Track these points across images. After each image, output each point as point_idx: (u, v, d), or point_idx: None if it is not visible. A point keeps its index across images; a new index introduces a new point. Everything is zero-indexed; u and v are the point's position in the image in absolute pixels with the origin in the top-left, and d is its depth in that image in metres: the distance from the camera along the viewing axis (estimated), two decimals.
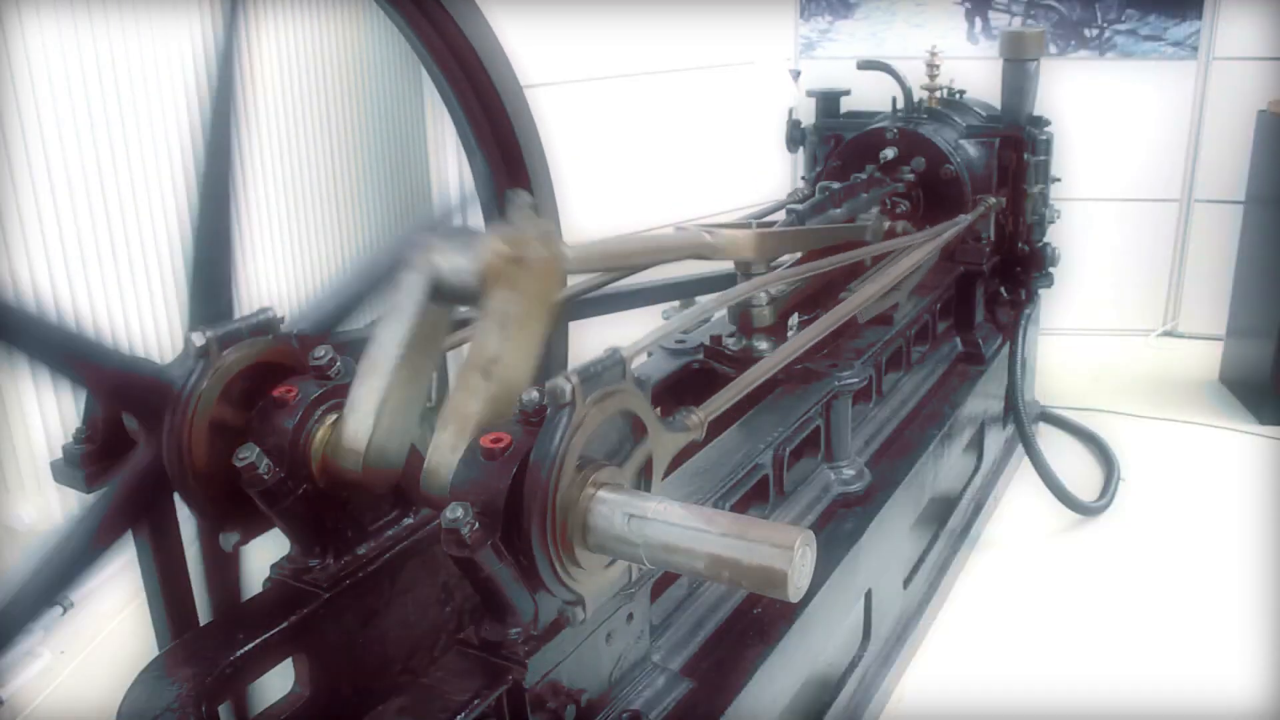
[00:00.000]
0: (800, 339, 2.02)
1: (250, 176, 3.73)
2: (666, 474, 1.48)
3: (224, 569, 1.51)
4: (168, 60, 2.96)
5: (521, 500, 1.23)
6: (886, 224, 2.87)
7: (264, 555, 1.54)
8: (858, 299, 2.33)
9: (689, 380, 2.48)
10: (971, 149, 3.36)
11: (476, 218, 2.24)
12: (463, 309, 1.45)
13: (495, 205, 2.27)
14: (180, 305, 3.09)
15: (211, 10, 3.09)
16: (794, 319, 2.65)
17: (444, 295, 1.37)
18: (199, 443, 1.38)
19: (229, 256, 1.52)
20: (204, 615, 1.51)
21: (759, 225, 2.45)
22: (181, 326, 1.45)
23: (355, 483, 1.43)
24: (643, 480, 1.42)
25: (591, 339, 2.66)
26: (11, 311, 1.26)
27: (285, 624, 1.42)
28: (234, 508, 1.43)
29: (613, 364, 1.33)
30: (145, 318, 3.04)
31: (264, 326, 1.47)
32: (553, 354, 2.43)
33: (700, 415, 1.53)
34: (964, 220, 3.09)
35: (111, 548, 1.37)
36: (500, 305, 1.35)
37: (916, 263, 2.67)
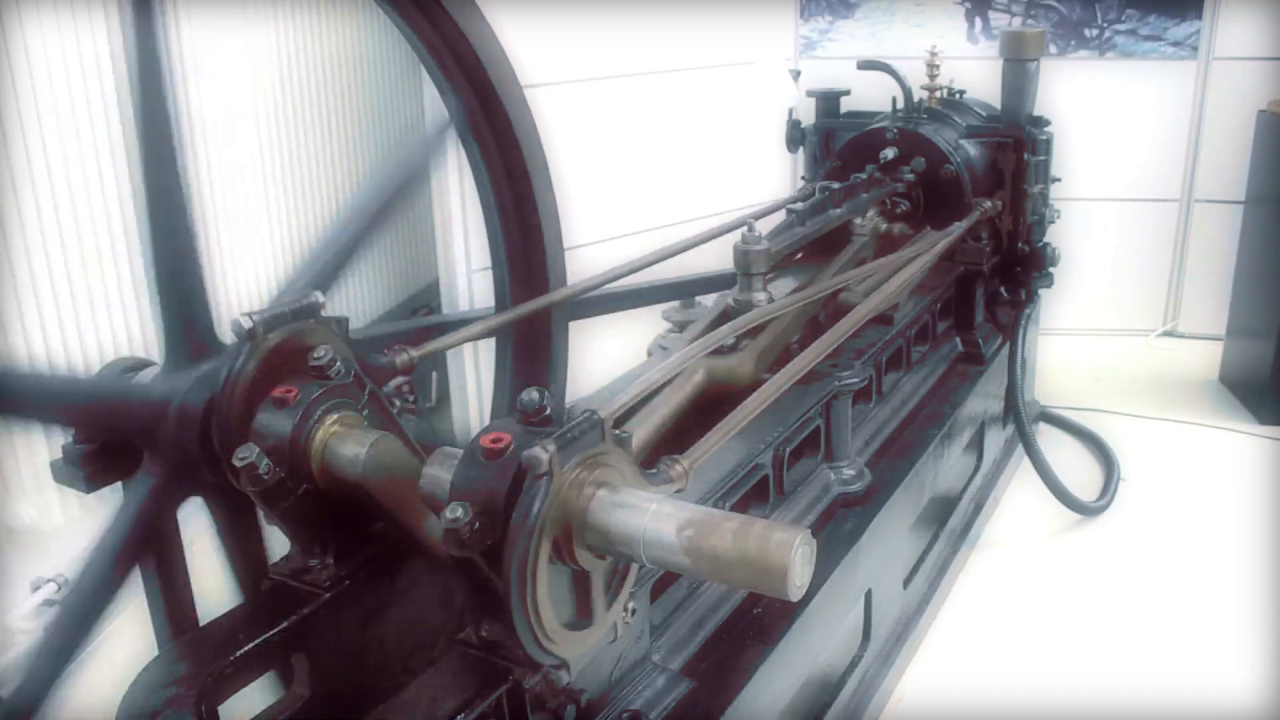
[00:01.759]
0: (797, 364, 1.99)
1: (250, 177, 3.73)
2: None
3: (249, 548, 1.52)
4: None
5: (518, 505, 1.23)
6: (884, 227, 2.85)
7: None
8: (860, 313, 2.29)
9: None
10: (971, 149, 3.36)
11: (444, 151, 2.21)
12: None
13: (493, 205, 2.27)
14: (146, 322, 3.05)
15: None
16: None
17: None
18: (245, 422, 1.41)
19: (192, 258, 1.50)
20: (206, 613, 1.51)
21: (758, 226, 2.44)
22: (152, 331, 1.44)
23: (355, 483, 1.43)
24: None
25: (591, 339, 2.66)
26: None
27: (285, 624, 1.42)
28: (295, 520, 1.45)
29: (590, 427, 1.30)
30: (127, 320, 3.01)
31: (307, 311, 1.50)
32: (554, 354, 2.43)
33: (684, 465, 1.51)
34: (958, 228, 3.08)
35: (124, 585, 1.38)
36: None
37: (909, 277, 2.64)
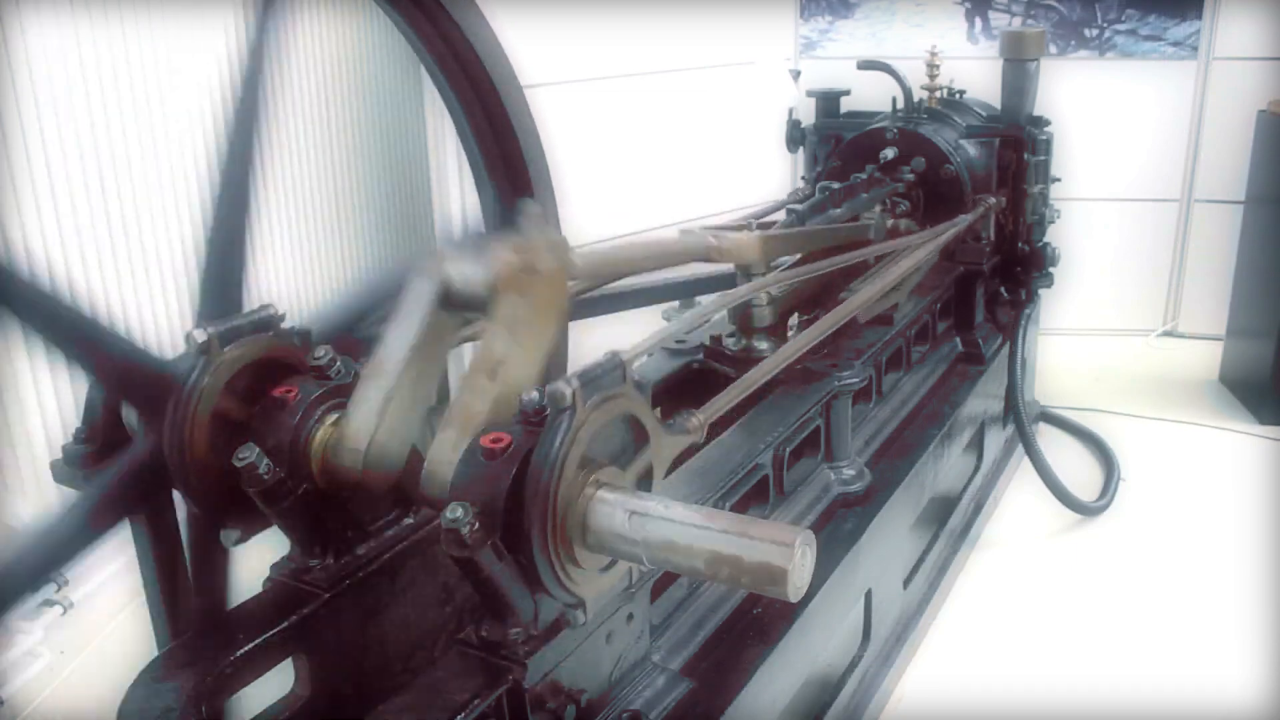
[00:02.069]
0: (800, 340, 2.02)
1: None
2: (666, 474, 1.48)
3: (212, 572, 1.50)
4: (191, 58, 2.97)
5: (522, 500, 1.23)
6: (890, 222, 2.86)
7: (264, 555, 1.54)
8: (857, 299, 2.33)
9: (689, 380, 2.48)
10: (971, 149, 3.36)
11: (479, 222, 2.25)
12: (471, 315, 1.45)
13: (495, 206, 2.27)
14: (188, 302, 3.10)
15: (239, 10, 3.10)
16: (794, 319, 2.65)
17: (452, 303, 1.40)
18: (200, 438, 1.38)
19: (241, 258, 1.52)
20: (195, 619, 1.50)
21: (759, 225, 2.45)
22: (187, 324, 1.44)
23: (355, 483, 1.43)
24: (644, 483, 1.42)
25: (591, 339, 2.66)
26: (24, 285, 1.26)
27: (285, 624, 1.42)
28: (234, 504, 1.43)
29: (613, 367, 1.33)
30: (156, 313, 3.05)
31: (265, 324, 1.47)
32: (553, 355, 2.43)
33: (700, 418, 1.54)
34: (964, 220, 3.09)
35: (105, 534, 1.36)
36: (508, 311, 1.37)
37: (916, 263, 2.67)
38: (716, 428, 1.81)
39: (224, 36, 3.22)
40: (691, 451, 1.79)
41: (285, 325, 1.51)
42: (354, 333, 1.62)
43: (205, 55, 3.15)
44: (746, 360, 2.34)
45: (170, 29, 3.05)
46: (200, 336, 1.39)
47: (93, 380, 1.44)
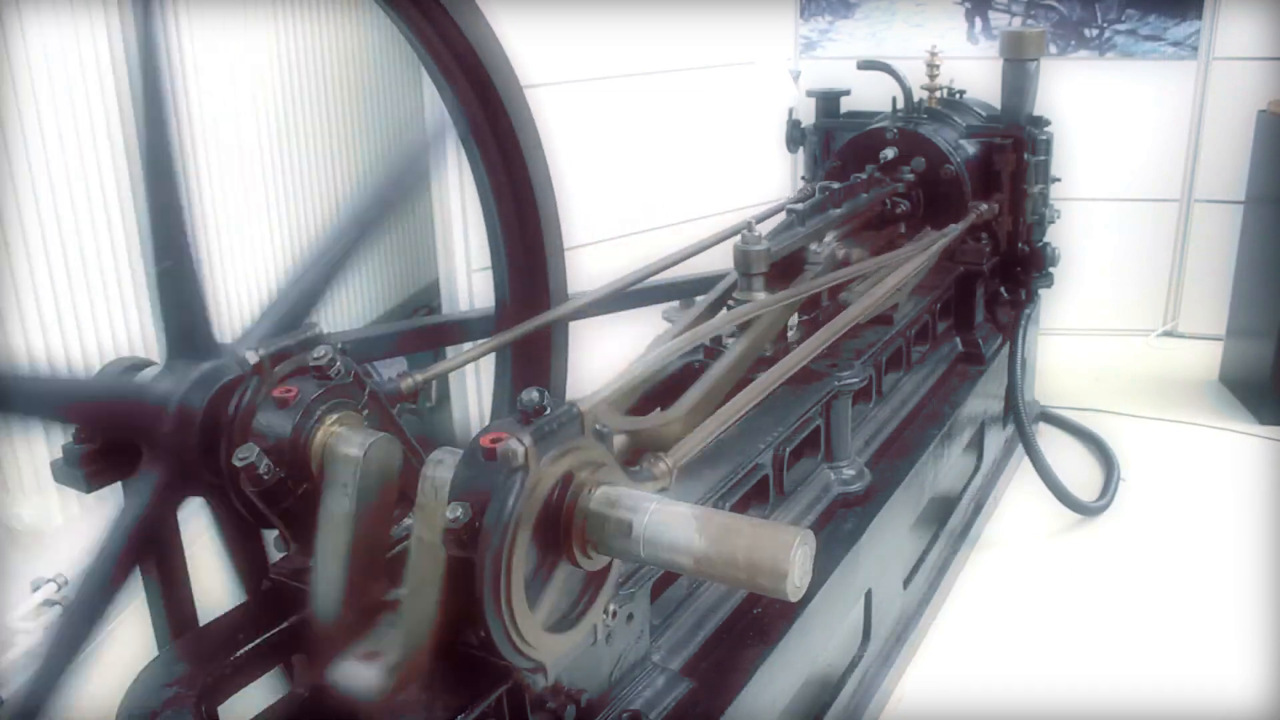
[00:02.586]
0: (797, 355, 2.00)
1: (249, 177, 3.73)
2: None
3: (250, 549, 1.52)
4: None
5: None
6: (842, 254, 2.78)
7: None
8: (854, 311, 2.31)
9: (688, 380, 2.48)
10: (971, 149, 3.36)
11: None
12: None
13: (493, 204, 2.27)
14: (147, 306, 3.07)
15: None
16: (794, 319, 2.65)
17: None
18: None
19: (190, 259, 1.50)
20: (206, 613, 1.51)
21: (759, 225, 2.45)
22: (152, 331, 1.44)
23: None
24: None
25: (591, 339, 2.66)
26: None
27: (285, 624, 1.42)
28: (295, 520, 1.44)
29: (570, 419, 1.27)
30: (127, 320, 3.02)
31: (312, 341, 1.48)
32: (554, 354, 2.43)
33: (668, 463, 1.49)
34: (953, 230, 3.08)
35: (123, 587, 1.38)
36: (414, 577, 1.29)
37: (908, 275, 2.64)
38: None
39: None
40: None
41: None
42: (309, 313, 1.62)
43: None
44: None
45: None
46: (253, 358, 1.41)
47: (72, 429, 1.44)
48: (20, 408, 1.33)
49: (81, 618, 1.33)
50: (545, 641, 1.28)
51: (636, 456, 1.53)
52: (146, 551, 1.43)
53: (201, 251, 1.52)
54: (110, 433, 1.43)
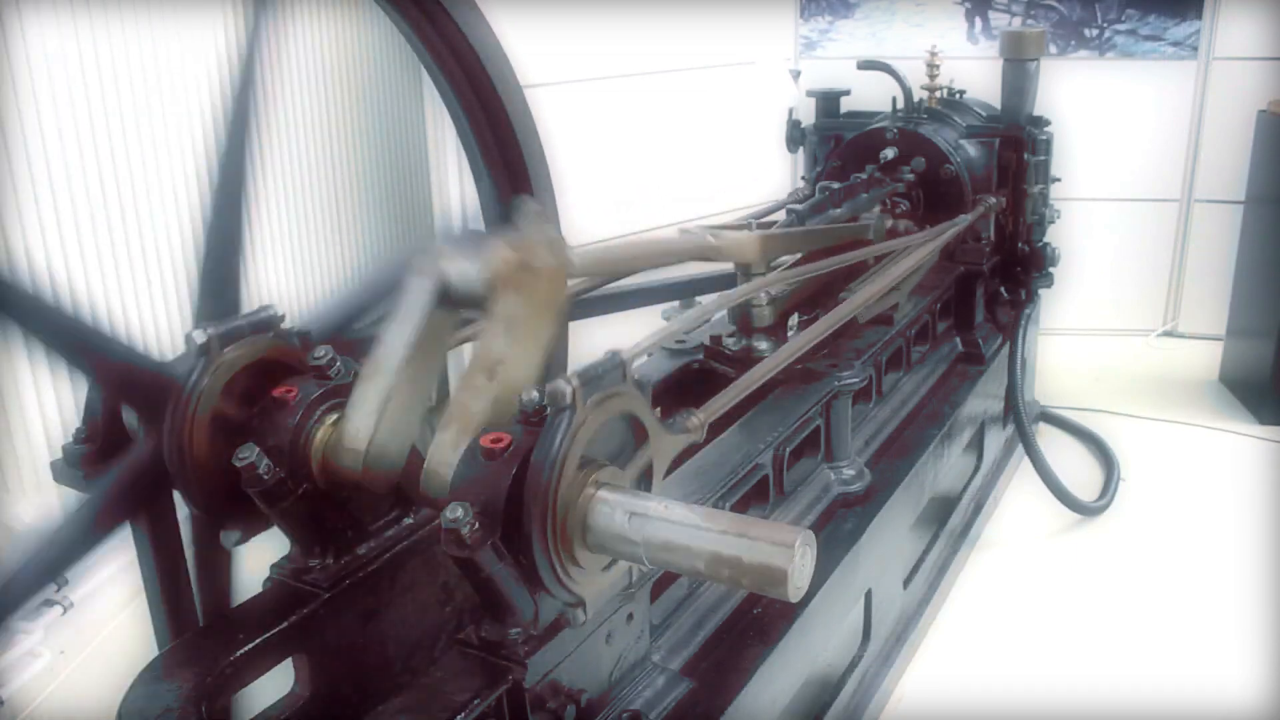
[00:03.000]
0: (800, 340, 2.02)
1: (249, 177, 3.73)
2: (666, 474, 1.48)
3: (215, 572, 1.50)
4: (188, 59, 2.98)
5: (522, 500, 1.23)
6: (889, 222, 2.86)
7: (264, 555, 1.54)
8: (858, 299, 2.34)
9: (688, 380, 2.48)
10: (971, 149, 3.36)
11: (478, 222, 2.25)
12: (469, 314, 1.45)
13: (495, 205, 2.27)
14: (186, 303, 3.11)
15: (233, 9, 3.10)
16: (794, 319, 2.65)
17: (451, 300, 1.39)
18: (200, 440, 1.38)
19: (238, 257, 1.52)
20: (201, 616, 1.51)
21: (759, 226, 2.45)
22: (185, 324, 1.44)
23: (355, 483, 1.43)
24: (644, 482, 1.42)
25: (591, 339, 2.66)
26: (24, 295, 1.26)
27: (285, 624, 1.42)
28: (234, 505, 1.43)
29: (613, 366, 1.33)
30: (155, 314, 3.05)
31: (265, 324, 1.47)
32: (552, 354, 2.43)
33: (701, 417, 1.54)
34: (964, 220, 3.09)
35: (108, 536, 1.36)
36: (507, 309, 1.36)
37: (917, 263, 2.67)
38: (716, 428, 1.80)
39: (221, 35, 3.23)
40: (691, 451, 1.79)
41: (285, 325, 1.51)
42: (350, 331, 1.61)
43: (202, 55, 3.15)
44: (746, 360, 2.34)
45: (168, 29, 3.05)
46: (200, 338, 1.39)
47: (92, 384, 1.44)
48: (48, 335, 1.33)
49: (60, 547, 1.31)
50: (587, 575, 1.31)
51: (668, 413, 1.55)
52: (135, 511, 1.42)
53: (246, 252, 1.54)
54: (118, 396, 1.42)
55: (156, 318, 3.08)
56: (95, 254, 2.89)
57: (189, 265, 3.00)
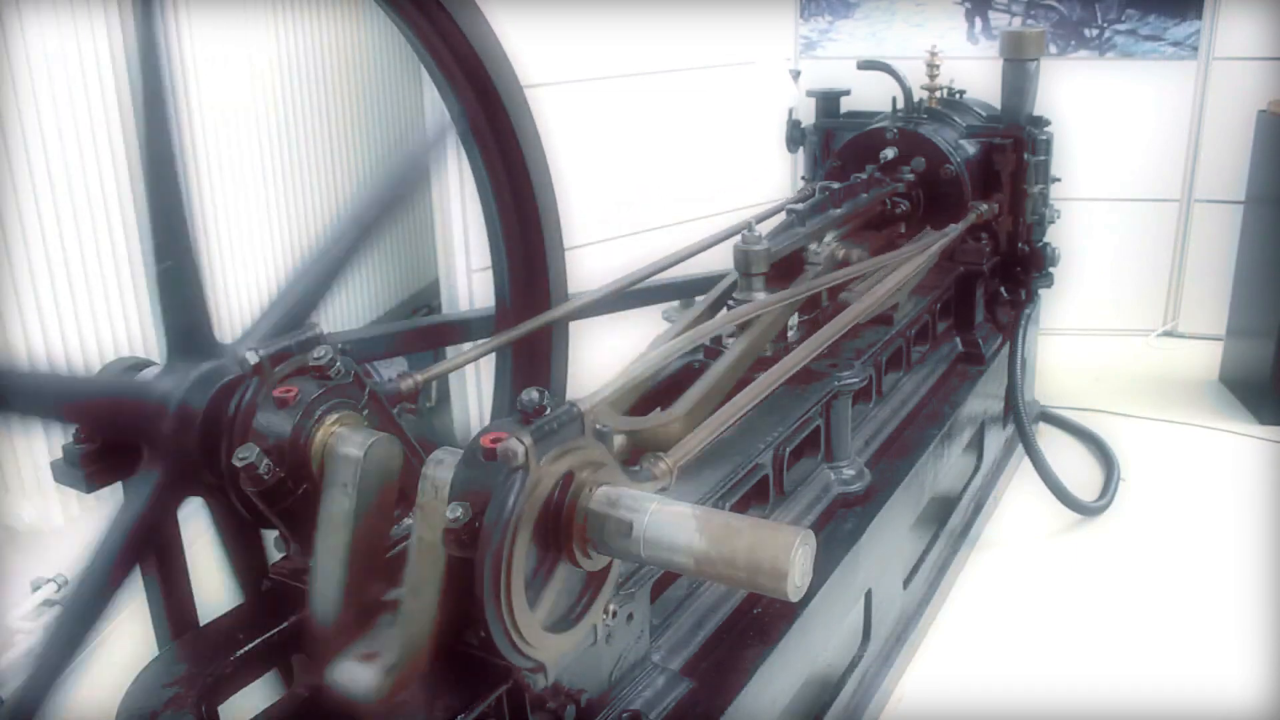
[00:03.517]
0: (796, 355, 2.00)
1: (249, 176, 3.73)
2: None
3: (249, 549, 1.52)
4: (187, 59, 2.95)
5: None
6: (841, 253, 2.78)
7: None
8: (853, 311, 2.31)
9: (689, 381, 2.48)
10: (971, 149, 3.36)
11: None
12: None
13: (493, 205, 2.27)
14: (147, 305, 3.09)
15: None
16: (794, 319, 2.65)
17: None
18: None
19: (191, 259, 1.50)
20: (206, 613, 1.51)
21: (759, 225, 2.45)
22: (152, 331, 1.44)
23: None
24: None
25: (591, 339, 2.66)
26: None
27: (285, 624, 1.42)
28: (295, 520, 1.44)
29: (570, 419, 1.27)
30: (126, 320, 3.03)
31: (312, 342, 1.48)
32: (554, 353, 2.43)
33: (668, 463, 1.49)
34: (953, 230, 3.08)
35: (123, 586, 1.38)
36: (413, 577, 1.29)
37: (907, 275, 2.64)
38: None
39: (223, 35, 3.21)
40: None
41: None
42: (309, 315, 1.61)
43: (201, 55, 3.14)
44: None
45: (170, 29, 3.04)
46: (252, 359, 1.41)
47: (73, 429, 1.44)
48: (20, 406, 1.33)
49: (79, 617, 1.32)
50: (545, 641, 1.28)
51: (637, 456, 1.53)
52: (146, 551, 1.43)
53: (202, 252, 1.51)
54: (110, 433, 1.42)
55: (144, 324, 3.06)
56: (95, 254, 2.89)
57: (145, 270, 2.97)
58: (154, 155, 1.48)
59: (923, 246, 2.81)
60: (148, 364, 1.50)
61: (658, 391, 2.34)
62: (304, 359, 1.46)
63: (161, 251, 1.48)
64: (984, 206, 3.29)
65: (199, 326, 1.49)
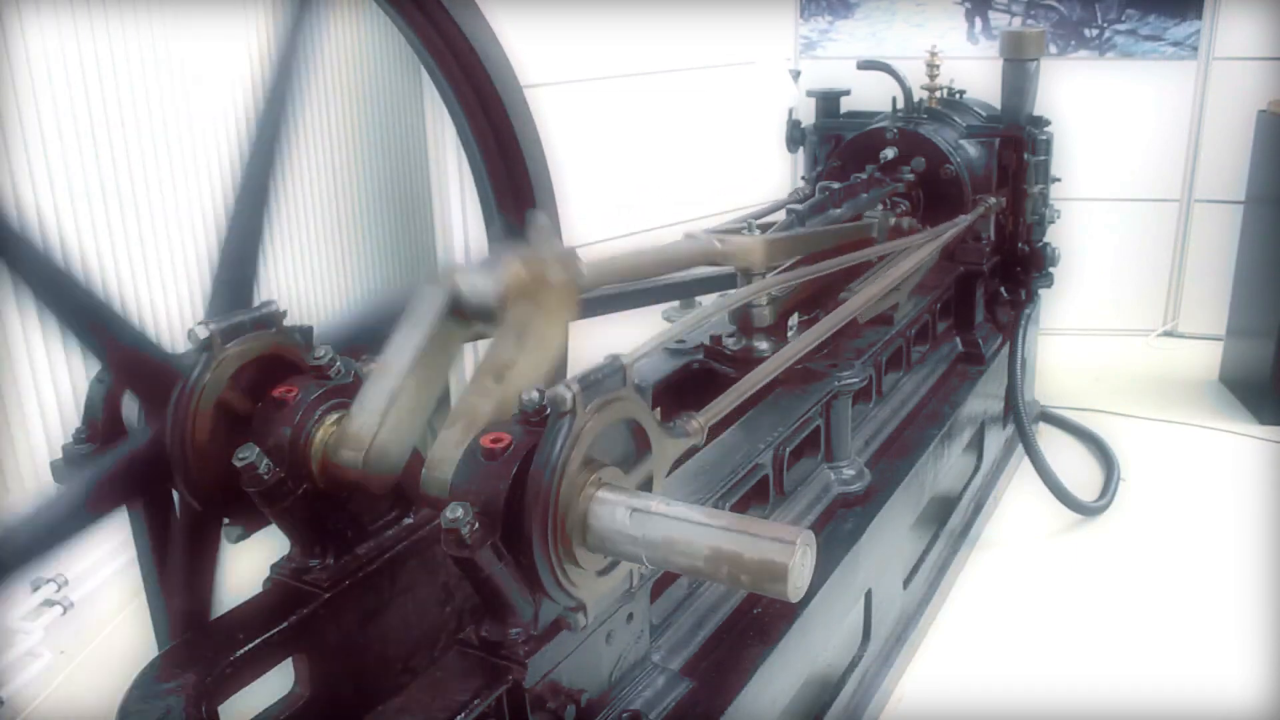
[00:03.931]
0: (801, 341, 2.02)
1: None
2: (666, 475, 1.48)
3: (201, 570, 1.49)
4: (188, 58, 2.97)
5: (522, 501, 1.23)
6: (892, 220, 2.86)
7: (264, 555, 1.54)
8: (857, 300, 2.33)
9: (689, 380, 2.48)
10: (971, 149, 3.36)
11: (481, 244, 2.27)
12: (480, 327, 1.46)
13: (494, 205, 2.27)
14: (186, 300, 3.11)
15: (269, 10, 3.10)
16: (794, 319, 2.65)
17: (462, 312, 1.42)
18: (201, 433, 1.39)
19: (255, 258, 1.53)
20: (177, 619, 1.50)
21: (759, 226, 2.45)
22: (197, 317, 1.45)
23: (355, 482, 1.43)
24: (645, 485, 1.42)
25: (591, 340, 2.66)
26: (45, 265, 1.27)
27: (285, 624, 1.42)
28: (235, 501, 1.43)
29: (613, 371, 1.33)
30: (169, 308, 3.06)
31: (267, 320, 1.47)
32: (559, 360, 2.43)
33: (701, 420, 1.53)
34: (964, 221, 3.09)
35: (100, 519, 1.36)
36: (518, 317, 1.39)
37: (917, 263, 2.67)
38: (717, 428, 1.80)
39: (251, 33, 3.23)
40: (692, 451, 1.79)
41: (287, 322, 1.51)
42: (359, 349, 1.61)
43: (202, 54, 3.15)
44: (747, 360, 2.34)
45: (192, 26, 3.06)
46: (203, 332, 1.40)
47: (101, 363, 1.44)
48: (63, 308, 1.33)
49: (51, 525, 1.31)
50: (587, 580, 1.31)
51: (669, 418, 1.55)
52: (130, 493, 1.42)
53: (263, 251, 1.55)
54: (126, 382, 1.42)
55: (169, 311, 3.08)
56: (95, 253, 2.89)
57: (201, 261, 3.01)
58: (259, 154, 1.56)
59: (934, 234, 2.82)
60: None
61: (657, 393, 2.34)
62: (262, 337, 1.45)
63: (231, 243, 1.51)
64: (992, 199, 3.30)
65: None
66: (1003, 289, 3.57)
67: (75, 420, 1.48)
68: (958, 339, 3.32)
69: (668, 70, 4.25)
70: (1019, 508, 3.39)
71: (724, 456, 1.98)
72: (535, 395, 1.27)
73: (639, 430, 1.39)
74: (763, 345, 2.45)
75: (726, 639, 1.86)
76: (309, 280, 3.93)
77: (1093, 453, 3.78)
